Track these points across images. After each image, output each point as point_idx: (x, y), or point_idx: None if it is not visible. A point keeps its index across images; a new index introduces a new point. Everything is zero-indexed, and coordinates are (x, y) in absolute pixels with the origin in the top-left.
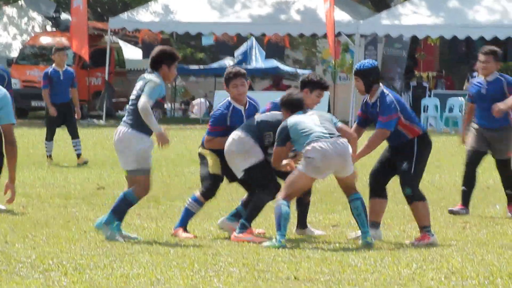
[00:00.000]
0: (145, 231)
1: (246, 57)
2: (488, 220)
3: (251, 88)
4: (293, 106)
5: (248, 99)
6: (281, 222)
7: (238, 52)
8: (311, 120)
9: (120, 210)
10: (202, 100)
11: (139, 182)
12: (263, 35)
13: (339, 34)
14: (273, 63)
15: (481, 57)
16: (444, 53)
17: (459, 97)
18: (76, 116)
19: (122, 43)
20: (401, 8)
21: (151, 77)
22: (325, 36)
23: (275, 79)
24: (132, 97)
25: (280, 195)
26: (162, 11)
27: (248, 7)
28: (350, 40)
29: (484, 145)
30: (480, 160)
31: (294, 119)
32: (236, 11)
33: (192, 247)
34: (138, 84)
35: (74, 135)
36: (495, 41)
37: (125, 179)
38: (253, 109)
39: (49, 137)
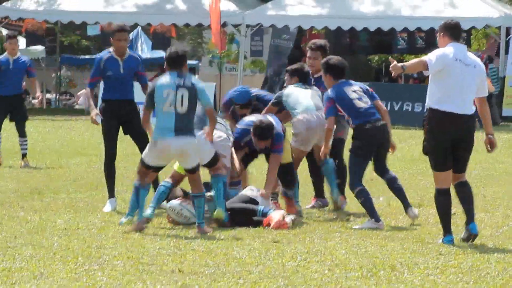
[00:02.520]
0: (28, 224)
1: (132, 47)
2: None
3: None
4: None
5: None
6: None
7: None
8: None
9: None
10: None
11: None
12: (149, 25)
13: (224, 24)
14: (160, 53)
15: (309, 52)
16: (329, 43)
17: None
18: (37, 103)
19: (5, 32)
20: None
21: None
22: (211, 26)
23: (162, 70)
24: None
25: None
26: (46, 0)
27: None
28: (236, 31)
29: None
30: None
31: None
32: (121, 1)
33: (76, 240)
34: None
35: (21, 132)
36: (378, 32)
37: None
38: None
39: None
